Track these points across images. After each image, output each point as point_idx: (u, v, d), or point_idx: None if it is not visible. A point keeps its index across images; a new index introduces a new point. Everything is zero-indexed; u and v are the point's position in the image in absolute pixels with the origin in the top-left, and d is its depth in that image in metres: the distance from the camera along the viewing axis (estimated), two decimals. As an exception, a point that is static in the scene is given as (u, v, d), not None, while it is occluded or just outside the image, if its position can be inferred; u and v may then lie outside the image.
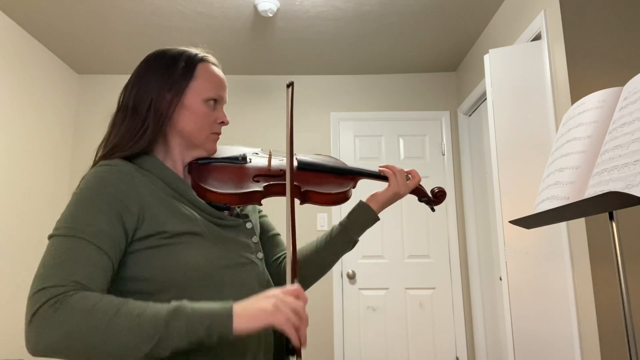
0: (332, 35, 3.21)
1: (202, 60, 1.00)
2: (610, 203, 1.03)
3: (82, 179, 0.89)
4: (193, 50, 1.02)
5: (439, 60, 3.63)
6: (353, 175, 1.12)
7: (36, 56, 3.24)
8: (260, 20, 3.02)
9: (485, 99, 3.16)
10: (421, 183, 1.17)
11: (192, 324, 0.74)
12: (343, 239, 1.09)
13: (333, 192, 1.05)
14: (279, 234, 1.18)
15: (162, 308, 0.75)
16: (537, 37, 2.35)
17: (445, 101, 3.80)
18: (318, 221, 3.57)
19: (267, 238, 1.14)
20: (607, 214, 1.87)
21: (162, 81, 0.96)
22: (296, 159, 1.08)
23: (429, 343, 3.43)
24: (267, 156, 1.07)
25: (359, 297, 3.51)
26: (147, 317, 0.74)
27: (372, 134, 3.76)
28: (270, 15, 2.81)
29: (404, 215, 3.61)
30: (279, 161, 1.07)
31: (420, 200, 1.19)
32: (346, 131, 3.78)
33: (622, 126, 1.07)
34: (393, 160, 3.70)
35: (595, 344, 1.87)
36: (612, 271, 1.89)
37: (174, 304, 0.76)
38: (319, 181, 1.07)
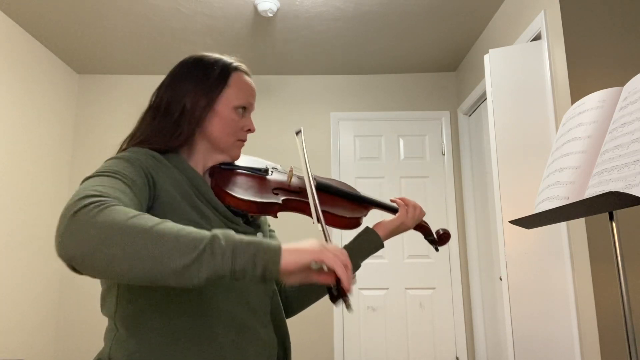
0: (332, 35, 3.21)
1: (236, 69, 1.03)
2: (610, 203, 1.03)
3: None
4: (227, 59, 1.04)
5: (439, 60, 3.63)
6: (367, 203, 1.15)
7: (36, 56, 3.24)
8: (260, 20, 3.02)
9: (485, 99, 3.16)
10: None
11: (239, 246, 0.70)
12: None
13: (347, 216, 1.08)
14: None
15: (206, 232, 0.71)
16: (537, 37, 2.35)
17: (445, 101, 3.80)
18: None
19: None
20: (607, 214, 1.88)
21: (196, 86, 0.98)
22: (315, 179, 1.10)
23: (429, 343, 3.42)
24: (287, 172, 1.10)
25: (359, 297, 3.51)
26: (193, 231, 0.70)
27: (372, 134, 3.76)
28: (270, 15, 2.81)
29: (404, 215, 3.60)
30: (298, 179, 1.10)
31: (425, 238, 1.24)
32: (346, 131, 3.77)
33: (622, 126, 1.07)
34: (393, 160, 3.70)
35: (595, 344, 1.87)
36: (612, 271, 1.89)
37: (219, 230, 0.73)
38: (335, 204, 1.10)
